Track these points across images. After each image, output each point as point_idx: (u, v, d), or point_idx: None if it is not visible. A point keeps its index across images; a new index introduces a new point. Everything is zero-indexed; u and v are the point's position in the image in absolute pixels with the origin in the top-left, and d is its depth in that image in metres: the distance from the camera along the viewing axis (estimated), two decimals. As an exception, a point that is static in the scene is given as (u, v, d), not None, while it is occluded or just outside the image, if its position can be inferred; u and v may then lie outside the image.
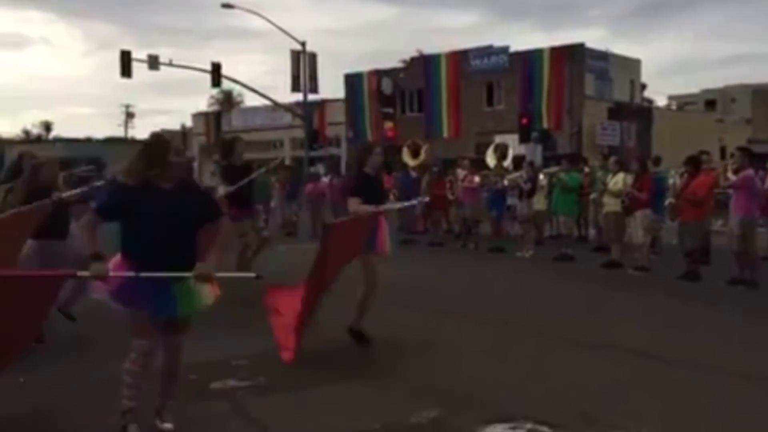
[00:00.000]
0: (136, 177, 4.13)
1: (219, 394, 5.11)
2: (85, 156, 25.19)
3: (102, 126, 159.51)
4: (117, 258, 4.09)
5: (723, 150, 29.02)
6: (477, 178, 14.30)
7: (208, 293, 4.19)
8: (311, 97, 32.85)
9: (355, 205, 6.29)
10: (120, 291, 4.00)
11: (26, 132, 76.32)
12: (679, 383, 5.36)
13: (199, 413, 4.64)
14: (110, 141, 52.84)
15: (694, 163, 10.39)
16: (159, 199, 4.05)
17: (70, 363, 5.79)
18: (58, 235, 6.51)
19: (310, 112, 33.49)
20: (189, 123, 53.95)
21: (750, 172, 9.64)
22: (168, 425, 4.27)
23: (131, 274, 3.95)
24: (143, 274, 3.92)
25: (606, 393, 5.10)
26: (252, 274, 4.08)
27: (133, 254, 4.01)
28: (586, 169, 14.48)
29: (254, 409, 4.77)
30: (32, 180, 6.43)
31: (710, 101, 55.58)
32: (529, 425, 4.41)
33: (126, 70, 28.22)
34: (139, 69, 29.17)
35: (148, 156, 4.13)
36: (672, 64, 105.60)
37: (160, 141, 4.34)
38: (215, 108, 56.75)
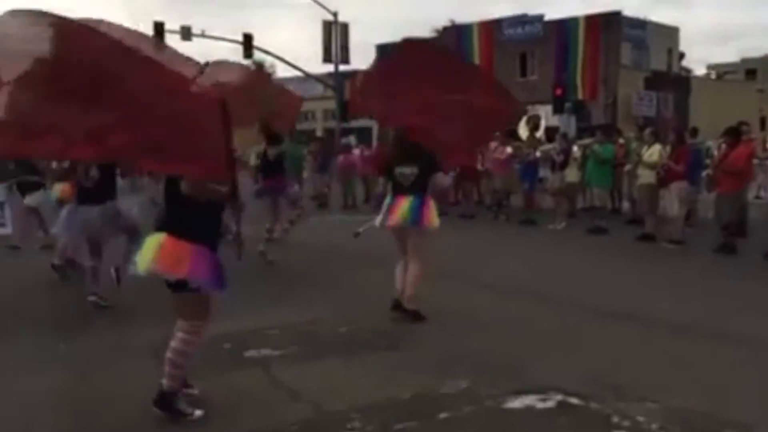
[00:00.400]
0: None
1: (252, 362, 5.19)
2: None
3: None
4: (183, 242, 3.96)
5: (763, 121, 28.39)
6: (509, 149, 14.17)
7: None
8: (343, 67, 32.74)
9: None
10: (218, 275, 4.04)
11: None
12: (712, 356, 5.31)
13: (232, 381, 4.73)
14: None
15: (734, 134, 10.16)
16: None
17: (110, 331, 5.95)
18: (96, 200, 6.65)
19: (341, 83, 33.39)
20: (222, 94, 54.22)
21: (790, 143, 9.42)
22: (195, 390, 4.35)
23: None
24: None
25: (638, 366, 5.07)
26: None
27: (200, 235, 4.00)
28: (621, 141, 14.25)
29: (286, 378, 4.84)
30: None
31: (751, 70, 54.18)
32: (559, 397, 4.41)
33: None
34: (172, 40, 29.34)
35: None
36: (712, 32, 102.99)
37: None
38: (247, 79, 56.76)
